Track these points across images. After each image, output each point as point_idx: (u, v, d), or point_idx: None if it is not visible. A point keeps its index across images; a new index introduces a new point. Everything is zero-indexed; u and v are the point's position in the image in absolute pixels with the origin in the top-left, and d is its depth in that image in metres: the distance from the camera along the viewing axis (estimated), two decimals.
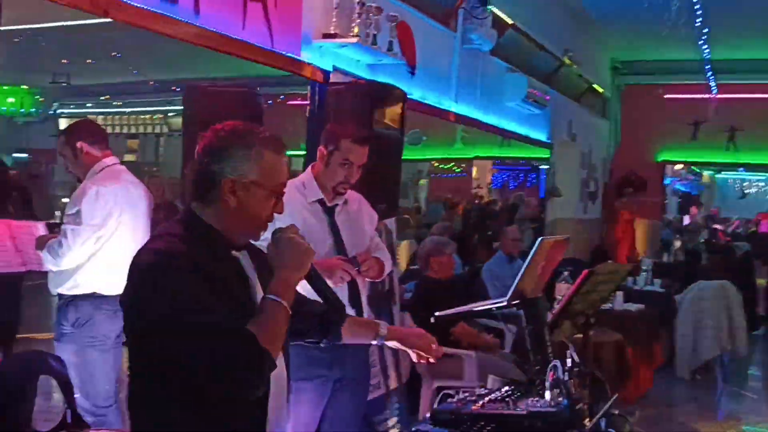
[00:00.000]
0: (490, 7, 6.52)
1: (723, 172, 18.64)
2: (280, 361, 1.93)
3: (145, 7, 3.22)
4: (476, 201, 15.26)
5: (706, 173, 18.66)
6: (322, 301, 2.10)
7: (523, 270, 2.76)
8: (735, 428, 6.16)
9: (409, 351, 2.37)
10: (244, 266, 1.94)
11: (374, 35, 4.62)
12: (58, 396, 3.57)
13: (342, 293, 3.07)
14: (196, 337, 1.71)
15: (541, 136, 9.29)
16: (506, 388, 2.66)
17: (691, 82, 11.85)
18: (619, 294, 6.65)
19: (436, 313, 3.04)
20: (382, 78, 5.00)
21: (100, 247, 3.69)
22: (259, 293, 1.92)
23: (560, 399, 2.43)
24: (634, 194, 10.79)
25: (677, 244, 11.21)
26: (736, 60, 11.33)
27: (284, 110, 10.29)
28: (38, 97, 14.23)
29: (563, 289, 5.03)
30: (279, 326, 1.82)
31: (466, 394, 2.62)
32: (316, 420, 3.17)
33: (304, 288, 2.01)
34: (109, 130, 15.14)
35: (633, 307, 6.79)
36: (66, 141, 3.75)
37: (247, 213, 1.87)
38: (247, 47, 3.84)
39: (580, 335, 3.45)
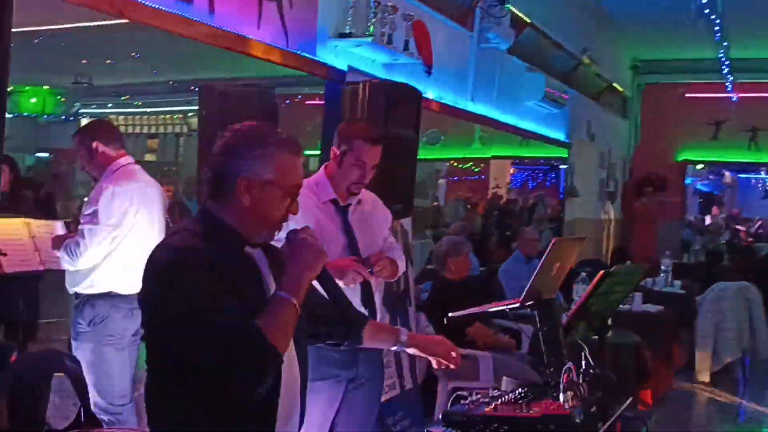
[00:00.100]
0: (508, 5, 6.49)
1: (745, 172, 18.42)
2: (292, 360, 1.94)
3: (160, 7, 3.23)
4: (493, 200, 15.20)
5: (727, 173, 18.46)
6: (342, 305, 2.12)
7: (537, 270, 2.74)
8: (756, 431, 6.07)
9: (430, 358, 2.37)
10: (259, 264, 1.96)
11: (390, 34, 4.61)
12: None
13: (355, 293, 3.05)
14: (206, 333, 1.73)
15: (560, 136, 9.24)
16: (519, 390, 2.65)
17: (712, 81, 11.71)
18: (638, 295, 6.58)
19: (450, 314, 3.03)
20: (398, 77, 4.99)
21: (116, 246, 3.71)
22: (273, 291, 1.93)
23: (574, 402, 2.41)
24: (654, 194, 10.70)
25: (698, 244, 11.09)
26: (757, 59, 11.19)
27: (302, 110, 10.30)
28: (60, 97, 14.35)
29: (581, 290, 4.99)
30: (286, 322, 1.82)
31: (479, 396, 2.61)
32: (329, 421, 3.15)
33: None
34: (129, 130, 15.27)
35: (652, 308, 6.72)
36: (81, 141, 3.77)
37: (261, 212, 1.89)
38: (261, 47, 3.85)
39: (597, 337, 3.41)
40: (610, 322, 3.39)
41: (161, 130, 15.34)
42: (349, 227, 3.20)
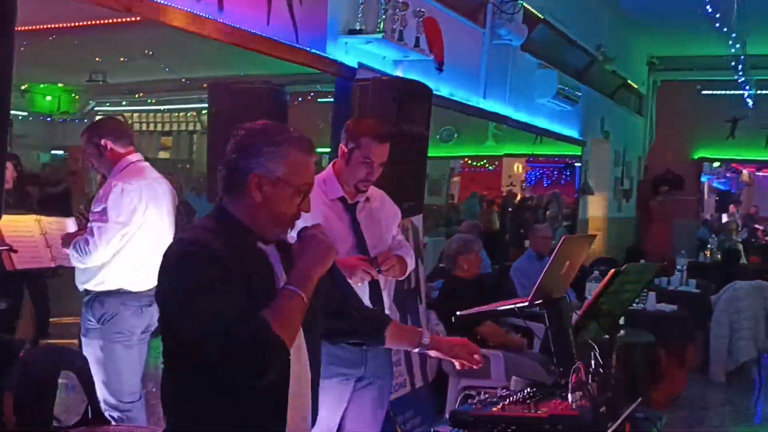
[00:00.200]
0: (520, 1, 6.44)
1: (763, 170, 18.24)
2: (303, 354, 1.98)
3: (168, 4, 3.22)
4: (508, 198, 15.14)
5: (745, 171, 18.29)
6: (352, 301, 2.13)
7: (546, 269, 2.70)
8: None
9: (453, 360, 2.37)
10: (272, 260, 1.98)
11: (400, 31, 4.58)
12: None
13: (363, 292, 3.04)
14: (210, 321, 1.77)
15: (573, 133, 9.17)
16: (528, 389, 2.62)
17: (728, 78, 11.59)
18: (652, 294, 6.53)
19: (458, 313, 3.00)
20: (409, 74, 4.97)
21: (125, 244, 3.71)
22: None
23: (583, 402, 2.38)
24: (670, 192, 10.61)
25: (714, 243, 10.99)
26: None
27: (314, 107, 10.29)
28: (75, 95, 14.43)
29: (593, 289, 4.94)
30: (292, 314, 1.85)
31: (487, 396, 2.58)
32: (337, 419, 3.14)
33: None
34: (143, 127, 15.35)
35: (667, 307, 6.66)
36: (90, 138, 3.77)
37: (272, 209, 1.92)
38: (271, 44, 3.83)
39: (607, 336, 3.37)
40: (621, 321, 3.35)
41: (175, 127, 15.40)
42: (357, 225, 3.18)
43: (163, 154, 16.65)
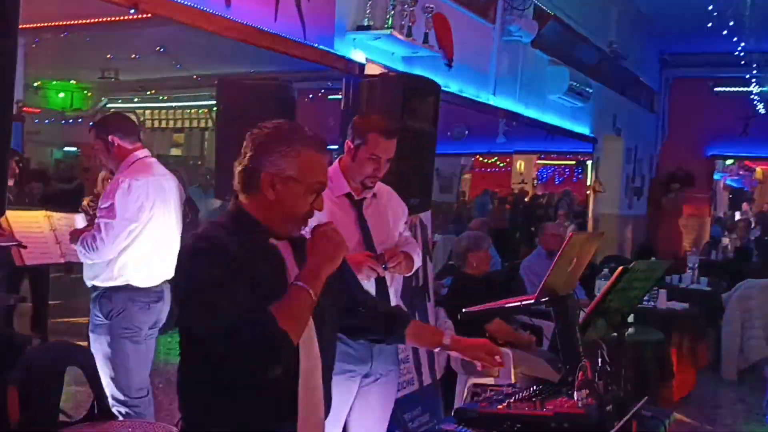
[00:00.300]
0: None
1: None
2: (313, 348, 2.01)
3: (175, 0, 3.22)
4: (519, 195, 15.11)
5: (758, 168, 18.16)
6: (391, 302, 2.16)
7: (552, 266, 2.68)
8: None
9: (474, 361, 2.38)
10: (284, 256, 2.02)
11: (409, 27, 4.56)
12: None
13: (369, 288, 3.02)
14: (216, 315, 1.82)
15: (584, 130, 9.12)
16: (534, 387, 2.60)
17: (741, 74, 11.48)
18: (663, 292, 6.49)
19: (464, 310, 2.98)
20: (418, 71, 4.94)
21: (133, 240, 3.72)
22: None
23: (589, 400, 2.36)
24: (682, 190, 10.53)
25: (726, 241, 10.91)
26: None
27: (324, 105, 10.27)
28: (87, 92, 14.51)
29: (603, 287, 4.92)
30: (300, 311, 1.88)
31: (493, 393, 2.57)
32: (343, 416, 3.13)
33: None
34: (155, 124, 15.40)
35: (678, 305, 6.62)
36: (98, 134, 3.78)
37: (285, 207, 1.97)
38: (278, 39, 3.82)
39: (615, 334, 3.34)
40: (631, 318, 3.32)
41: (187, 124, 15.46)
42: (363, 221, 3.17)
43: (174, 151, 16.72)
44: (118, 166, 3.79)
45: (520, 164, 17.33)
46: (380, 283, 3.13)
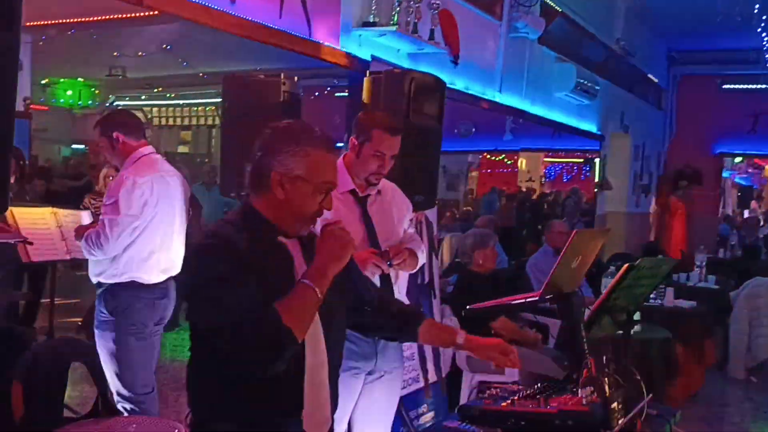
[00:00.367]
0: None
1: None
2: (319, 345, 2.02)
3: None
4: (526, 193, 15.07)
5: (767, 166, 18.06)
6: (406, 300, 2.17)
7: (557, 263, 2.67)
8: None
9: (489, 361, 2.37)
10: (293, 254, 2.04)
11: (415, 23, 4.55)
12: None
13: None
14: (221, 311, 1.85)
15: (592, 128, 9.09)
16: (539, 385, 2.59)
17: (750, 71, 11.42)
18: (670, 290, 6.45)
19: (468, 307, 2.97)
20: (424, 67, 4.93)
21: (137, 236, 3.72)
22: None
23: (593, 397, 2.34)
24: (689, 187, 10.48)
25: (735, 239, 10.85)
26: None
27: (331, 102, 10.27)
28: (95, 89, 14.55)
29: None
30: (304, 308, 1.90)
31: (497, 390, 2.56)
32: (348, 413, 3.12)
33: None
34: (163, 122, 15.44)
35: (685, 304, 6.58)
36: (102, 131, 3.77)
37: (294, 206, 1.99)
38: (283, 36, 3.82)
39: (621, 332, 3.32)
40: (637, 316, 3.30)
41: (194, 122, 15.50)
42: (368, 218, 3.16)
43: (182, 149, 16.76)
44: (122, 162, 3.79)
45: (522, 162, 17.28)
46: (385, 280, 3.12)
